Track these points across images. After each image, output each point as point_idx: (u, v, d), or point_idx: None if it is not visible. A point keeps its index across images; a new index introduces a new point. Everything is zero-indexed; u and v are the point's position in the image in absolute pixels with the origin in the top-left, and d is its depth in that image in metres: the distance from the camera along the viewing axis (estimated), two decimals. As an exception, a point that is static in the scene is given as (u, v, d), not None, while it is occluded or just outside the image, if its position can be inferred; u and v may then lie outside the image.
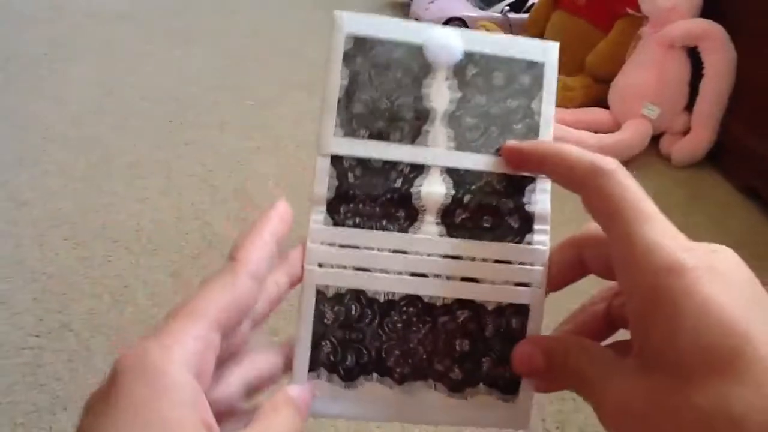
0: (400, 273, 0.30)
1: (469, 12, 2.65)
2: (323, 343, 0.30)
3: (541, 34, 2.38)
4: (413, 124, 0.30)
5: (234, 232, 1.37)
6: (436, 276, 0.30)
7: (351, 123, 0.30)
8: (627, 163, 1.82)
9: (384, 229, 0.30)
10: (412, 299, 0.30)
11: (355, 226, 0.30)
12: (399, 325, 0.30)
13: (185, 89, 1.97)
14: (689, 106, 1.90)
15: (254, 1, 2.77)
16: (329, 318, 0.30)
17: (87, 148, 1.63)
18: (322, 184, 0.30)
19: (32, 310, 1.14)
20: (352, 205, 0.30)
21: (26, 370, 1.03)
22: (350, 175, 0.30)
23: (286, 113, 1.90)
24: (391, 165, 0.30)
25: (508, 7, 2.66)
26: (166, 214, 1.41)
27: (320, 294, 0.30)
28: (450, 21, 2.63)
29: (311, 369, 0.29)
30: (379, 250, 0.30)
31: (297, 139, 1.76)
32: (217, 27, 2.49)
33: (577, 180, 0.28)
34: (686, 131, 1.90)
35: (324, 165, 0.30)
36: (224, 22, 2.54)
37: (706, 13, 1.86)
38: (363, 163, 0.30)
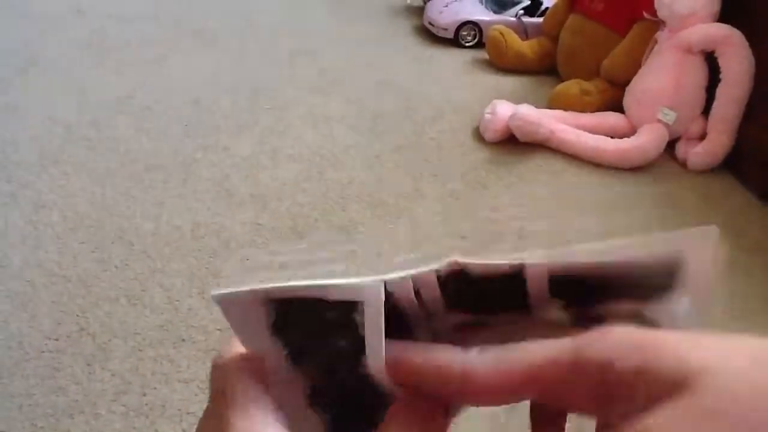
0: None
1: (484, 16, 2.65)
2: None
3: (556, 37, 2.37)
4: None
5: (249, 237, 1.38)
6: None
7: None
8: (643, 168, 1.82)
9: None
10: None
11: None
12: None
13: (203, 92, 1.98)
14: (705, 111, 1.89)
15: (272, 6, 2.78)
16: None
17: (106, 150, 1.65)
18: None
19: (51, 313, 1.15)
20: None
21: (45, 373, 1.04)
22: None
23: (302, 118, 1.91)
24: None
25: (522, 11, 2.65)
26: (183, 218, 1.42)
27: None
28: (464, 25, 2.63)
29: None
30: None
31: (313, 144, 1.77)
32: (236, 31, 2.51)
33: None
34: (702, 136, 1.88)
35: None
36: (243, 27, 2.56)
37: (723, 18, 1.85)
38: None
